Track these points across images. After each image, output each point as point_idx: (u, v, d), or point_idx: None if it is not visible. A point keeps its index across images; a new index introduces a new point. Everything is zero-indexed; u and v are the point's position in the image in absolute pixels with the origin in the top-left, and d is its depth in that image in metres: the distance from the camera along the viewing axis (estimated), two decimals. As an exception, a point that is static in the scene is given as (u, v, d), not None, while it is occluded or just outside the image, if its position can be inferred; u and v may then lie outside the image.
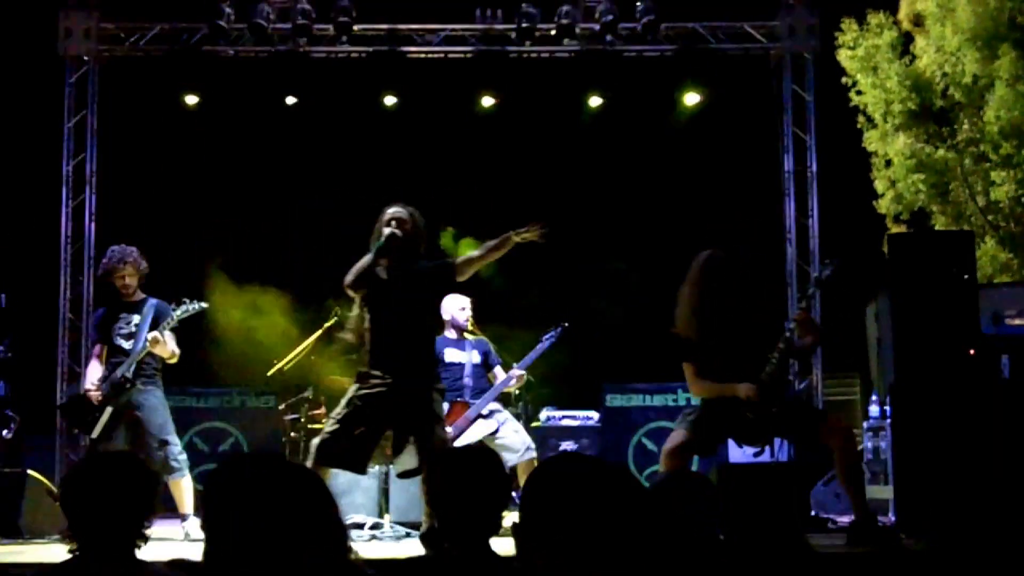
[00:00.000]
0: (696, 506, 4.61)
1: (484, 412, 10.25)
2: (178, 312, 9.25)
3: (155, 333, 9.16)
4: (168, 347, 9.29)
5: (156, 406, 9.30)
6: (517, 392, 11.45)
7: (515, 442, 10.15)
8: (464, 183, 14.63)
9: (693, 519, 4.51)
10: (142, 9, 13.27)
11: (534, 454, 10.12)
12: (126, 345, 9.34)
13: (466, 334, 10.69)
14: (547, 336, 10.46)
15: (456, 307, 10.54)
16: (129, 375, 9.19)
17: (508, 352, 10.92)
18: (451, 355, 10.52)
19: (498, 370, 10.50)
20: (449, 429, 10.01)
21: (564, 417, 12.15)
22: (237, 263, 13.56)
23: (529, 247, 8.04)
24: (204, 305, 9.41)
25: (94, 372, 9.49)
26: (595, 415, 12.12)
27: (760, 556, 4.31)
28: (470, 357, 10.51)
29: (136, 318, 9.37)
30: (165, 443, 9.16)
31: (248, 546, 3.32)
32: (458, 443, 9.82)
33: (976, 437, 8.12)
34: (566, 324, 10.63)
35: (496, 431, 10.18)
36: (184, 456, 9.28)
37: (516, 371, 10.37)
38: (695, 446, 7.97)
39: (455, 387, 10.40)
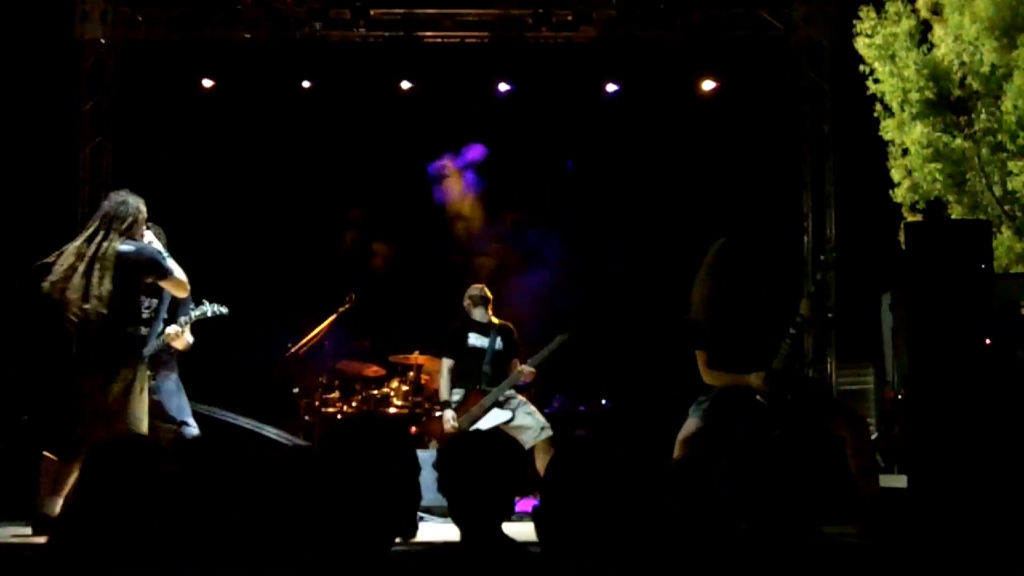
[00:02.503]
0: (700, 494, 4.62)
1: (500, 399, 10.29)
2: (196, 313, 9.19)
3: (176, 328, 9.11)
4: (185, 339, 9.26)
5: (173, 390, 9.27)
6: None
7: (530, 423, 10.20)
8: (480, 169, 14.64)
9: (698, 507, 4.52)
10: (159, -7, 13.30)
11: (550, 433, 10.17)
12: (143, 330, 9.30)
13: (491, 314, 10.77)
14: (557, 340, 10.49)
15: (475, 287, 10.68)
16: None
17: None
18: (474, 339, 10.58)
19: (525, 367, 10.55)
20: (463, 417, 10.08)
21: (577, 404, 12.17)
22: (253, 247, 13.60)
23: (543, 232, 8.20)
24: (224, 310, 9.32)
25: None
26: (607, 402, 12.13)
27: (774, 544, 4.31)
28: (493, 343, 10.56)
29: (155, 302, 9.32)
30: (184, 424, 9.15)
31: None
32: (471, 429, 9.89)
33: (990, 427, 8.10)
34: (574, 331, 10.70)
35: (511, 419, 10.23)
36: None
37: (526, 370, 10.42)
38: (708, 434, 7.96)
39: (473, 374, 10.46)
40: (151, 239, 8.64)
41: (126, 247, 8.30)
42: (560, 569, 2.91)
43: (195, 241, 10.17)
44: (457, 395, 10.55)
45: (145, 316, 9.28)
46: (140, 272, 8.35)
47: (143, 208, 8.53)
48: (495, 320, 10.81)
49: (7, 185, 12.86)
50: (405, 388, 12.00)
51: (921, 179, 13.05)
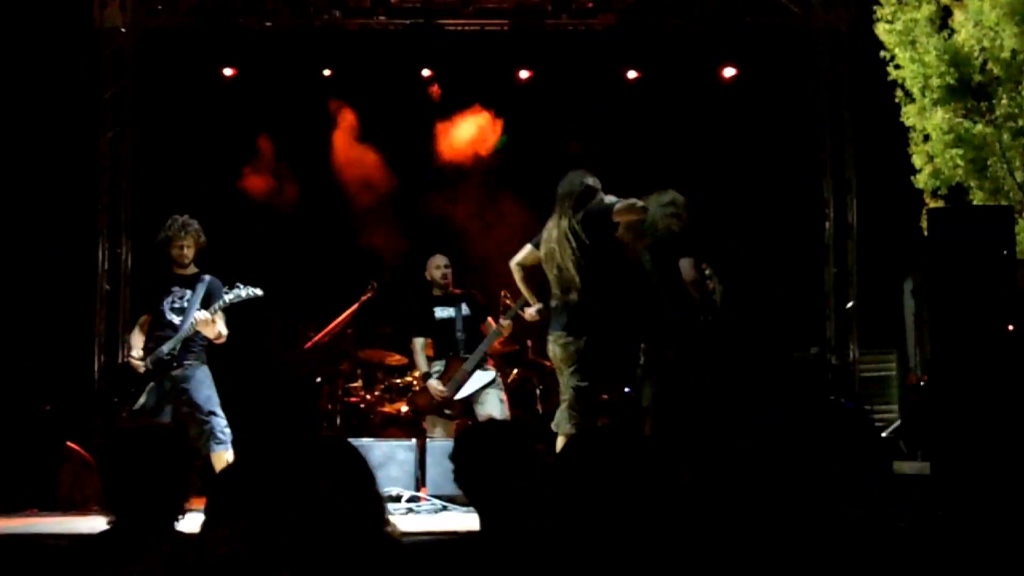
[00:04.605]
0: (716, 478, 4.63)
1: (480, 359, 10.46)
2: (230, 296, 9.23)
3: (206, 314, 9.14)
4: (216, 328, 9.28)
5: (203, 380, 9.31)
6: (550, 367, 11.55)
7: (495, 413, 10.33)
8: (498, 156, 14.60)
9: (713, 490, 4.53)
10: (179, -20, 13.30)
11: None
12: (175, 319, 9.33)
13: (451, 284, 10.88)
14: (522, 298, 10.65)
15: (435, 265, 10.79)
16: (175, 352, 9.19)
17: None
18: (440, 312, 10.72)
19: (490, 319, 10.70)
20: (448, 384, 10.24)
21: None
22: (274, 235, 13.60)
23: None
24: (258, 292, 9.37)
25: (137, 341, 9.51)
26: (629, 390, 12.12)
27: (789, 526, 4.32)
28: (460, 311, 10.68)
29: (188, 293, 9.36)
30: (212, 414, 9.19)
31: (290, 519, 3.34)
32: (459, 396, 10.37)
33: (1014, 414, 8.07)
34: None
35: (492, 382, 10.37)
36: (228, 429, 9.28)
37: (504, 323, 10.54)
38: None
39: (448, 344, 10.59)
40: (607, 198, 8.75)
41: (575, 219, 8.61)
42: (575, 556, 2.91)
43: (216, 230, 10.16)
44: (437, 366, 10.66)
45: (177, 306, 9.34)
46: (595, 234, 8.59)
47: (578, 181, 8.73)
48: (456, 290, 10.91)
49: (28, 174, 12.89)
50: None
51: (942, 165, 13.00)
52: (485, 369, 10.56)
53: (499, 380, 10.70)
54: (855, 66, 13.23)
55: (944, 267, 8.56)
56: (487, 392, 10.48)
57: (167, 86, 13.51)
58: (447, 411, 10.44)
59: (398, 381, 12.04)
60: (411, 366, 12.12)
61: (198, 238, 9.47)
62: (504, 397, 10.63)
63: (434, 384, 10.51)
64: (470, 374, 10.46)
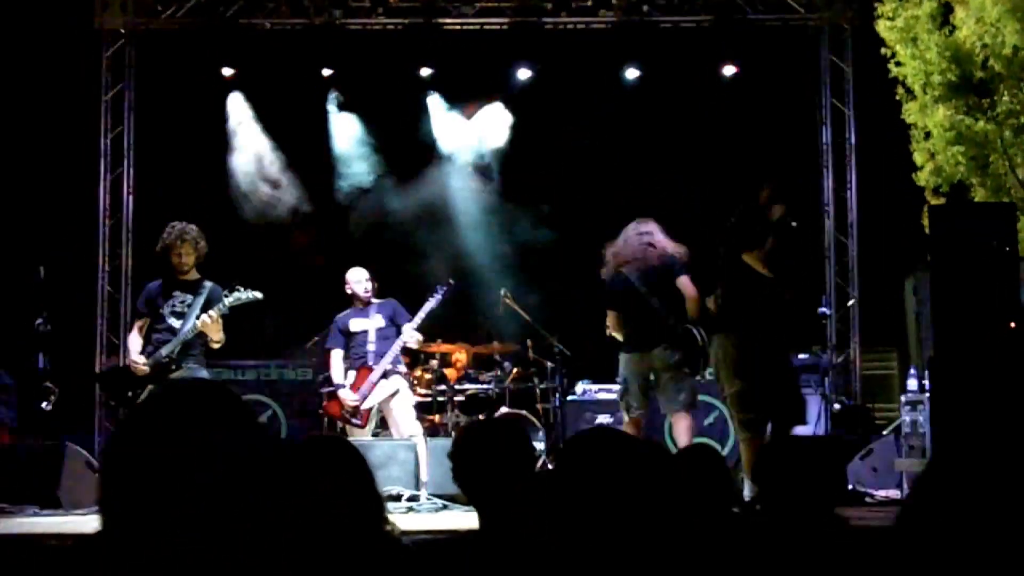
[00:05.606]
0: (708, 479, 4.60)
1: (387, 369, 10.48)
2: (230, 299, 9.19)
3: (211, 314, 9.12)
4: (220, 332, 9.25)
5: None
6: (551, 366, 11.55)
7: (400, 424, 10.41)
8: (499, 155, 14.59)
9: (705, 492, 4.50)
10: (178, -19, 13.29)
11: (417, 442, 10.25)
12: (175, 323, 9.30)
13: (371, 295, 10.83)
14: (433, 295, 10.64)
15: (355, 280, 10.73)
16: (174, 355, 9.17)
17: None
18: (356, 324, 10.78)
19: (407, 326, 10.66)
20: (356, 395, 10.26)
21: (600, 390, 12.12)
22: (273, 234, 13.60)
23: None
24: (258, 295, 9.34)
25: (135, 344, 9.48)
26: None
27: (795, 529, 4.30)
28: (374, 323, 10.68)
29: (189, 298, 9.32)
30: None
31: (287, 518, 3.33)
32: (365, 406, 10.41)
33: (1016, 411, 8.06)
34: (452, 282, 10.88)
35: (396, 393, 10.38)
36: None
37: (409, 335, 10.59)
38: None
39: (360, 354, 10.64)
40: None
41: None
42: (577, 553, 2.89)
43: (217, 229, 10.15)
44: (350, 377, 10.68)
45: (178, 310, 9.32)
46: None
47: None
48: (374, 300, 10.84)
49: (29, 175, 12.89)
50: (428, 376, 12.04)
51: (944, 162, 12.99)
52: (388, 379, 10.59)
53: (405, 391, 10.71)
54: (856, 63, 13.22)
55: (946, 264, 8.55)
56: (392, 402, 10.50)
57: (167, 87, 13.49)
58: (355, 420, 10.42)
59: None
60: (410, 366, 12.12)
61: (196, 244, 9.41)
62: (408, 409, 10.65)
63: (343, 393, 10.51)
64: (375, 385, 10.50)
